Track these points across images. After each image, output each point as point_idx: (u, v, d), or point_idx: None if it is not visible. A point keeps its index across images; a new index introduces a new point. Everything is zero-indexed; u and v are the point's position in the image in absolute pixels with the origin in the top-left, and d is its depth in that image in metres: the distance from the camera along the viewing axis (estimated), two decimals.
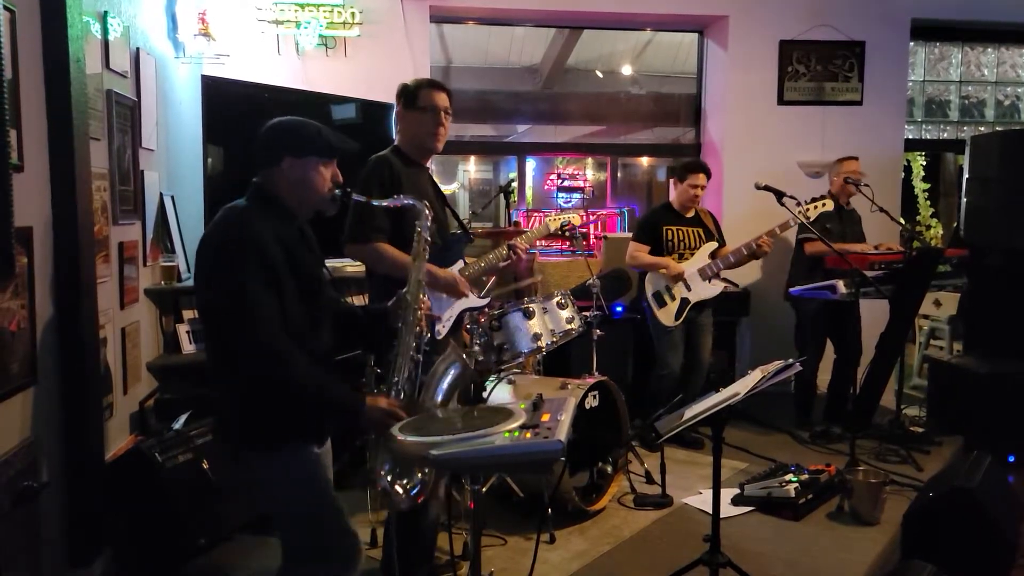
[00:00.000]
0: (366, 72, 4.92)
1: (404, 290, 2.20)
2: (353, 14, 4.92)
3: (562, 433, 1.76)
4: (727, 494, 3.74)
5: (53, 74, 2.59)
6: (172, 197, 4.19)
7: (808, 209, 4.33)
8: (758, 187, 4.12)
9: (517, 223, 5.48)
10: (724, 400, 2.61)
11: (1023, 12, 5.99)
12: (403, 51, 5.09)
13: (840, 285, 4.25)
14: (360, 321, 2.35)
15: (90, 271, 2.83)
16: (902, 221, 5.54)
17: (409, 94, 2.89)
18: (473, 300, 2.99)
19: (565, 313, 3.49)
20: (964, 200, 4.87)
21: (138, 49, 3.73)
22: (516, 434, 1.76)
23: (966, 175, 4.88)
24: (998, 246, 4.63)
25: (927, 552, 2.81)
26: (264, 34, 4.85)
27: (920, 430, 4.66)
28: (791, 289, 4.71)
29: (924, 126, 6.53)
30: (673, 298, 4.50)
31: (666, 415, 2.82)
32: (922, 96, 6.47)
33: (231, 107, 4.01)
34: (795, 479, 3.72)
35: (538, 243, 5.81)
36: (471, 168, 10.99)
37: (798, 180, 4.99)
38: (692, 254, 4.57)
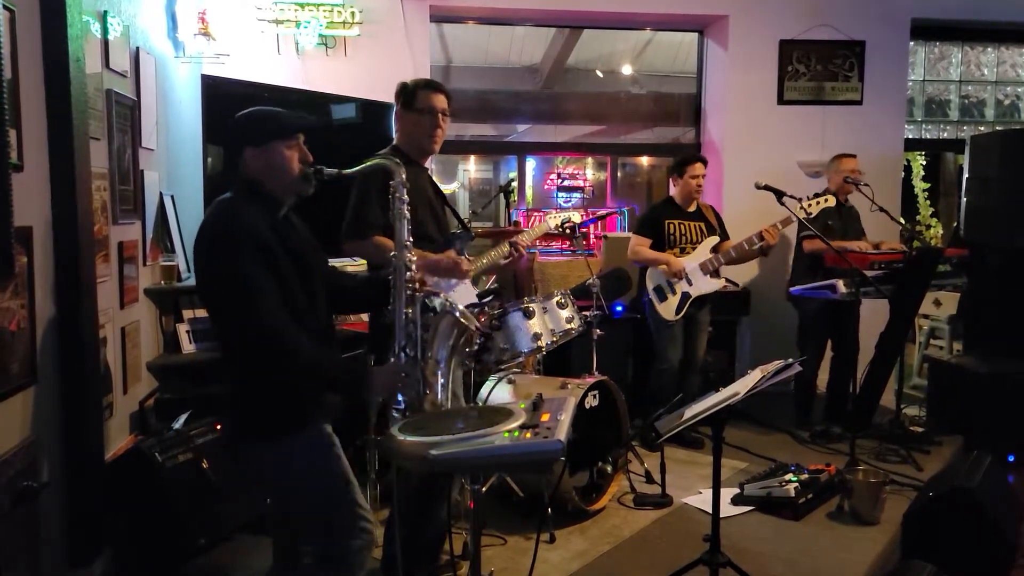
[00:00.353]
0: (366, 72, 4.92)
1: (392, 253, 2.19)
2: (353, 14, 4.92)
3: (562, 433, 1.76)
4: (727, 494, 3.74)
5: (53, 74, 2.59)
6: (172, 197, 4.19)
7: (811, 204, 4.34)
8: (758, 187, 4.12)
9: (517, 223, 5.48)
10: (724, 400, 2.61)
11: (1023, 12, 5.98)
12: (403, 51, 5.09)
13: (840, 285, 4.25)
14: (359, 292, 2.38)
15: (90, 271, 2.83)
16: (902, 221, 5.54)
17: (408, 95, 2.89)
18: (472, 298, 2.99)
19: (565, 313, 3.49)
20: (964, 200, 4.86)
21: (138, 49, 3.73)
22: (516, 434, 1.77)
23: (966, 175, 4.87)
24: (998, 246, 4.63)
25: (927, 552, 2.81)
26: (264, 34, 4.84)
27: (920, 430, 4.66)
28: (791, 289, 4.71)
29: (924, 126, 6.53)
30: (674, 292, 4.51)
31: (666, 415, 2.82)
32: (922, 96, 6.47)
33: (231, 107, 3.94)
34: (795, 479, 3.72)
35: (538, 243, 5.82)
36: (471, 168, 10.99)
37: (798, 180, 4.99)
38: (694, 248, 4.58)
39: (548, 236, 5.61)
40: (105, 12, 3.27)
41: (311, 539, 2.18)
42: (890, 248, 4.71)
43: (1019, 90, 6.59)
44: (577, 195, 7.55)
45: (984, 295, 4.85)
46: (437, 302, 2.19)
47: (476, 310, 3.09)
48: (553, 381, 3.64)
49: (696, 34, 6.11)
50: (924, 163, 8.46)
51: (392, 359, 2.13)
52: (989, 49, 6.50)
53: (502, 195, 4.27)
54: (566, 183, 7.58)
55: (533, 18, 5.92)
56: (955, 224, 6.18)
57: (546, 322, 3.38)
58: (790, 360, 2.75)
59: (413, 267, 2.17)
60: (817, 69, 5.74)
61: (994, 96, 6.57)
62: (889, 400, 4.81)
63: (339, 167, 2.17)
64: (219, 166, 3.96)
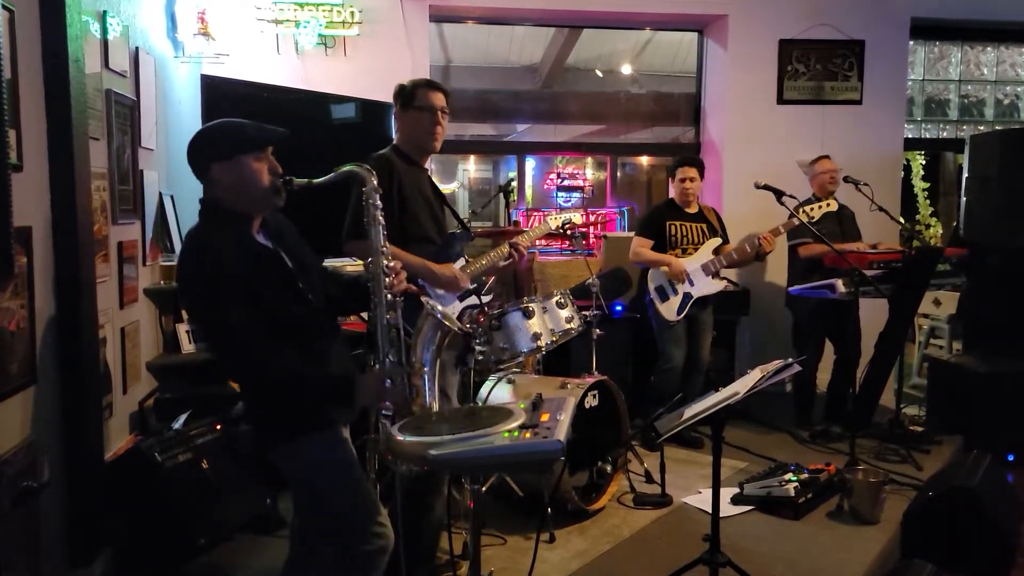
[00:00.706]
0: (366, 71, 4.92)
1: (368, 259, 2.17)
2: (353, 13, 4.92)
3: (561, 433, 1.76)
4: (727, 493, 3.74)
5: (52, 74, 2.59)
6: (172, 196, 4.19)
7: (812, 209, 4.35)
8: (758, 186, 4.12)
9: (517, 222, 5.48)
10: (724, 399, 2.61)
11: (1023, 11, 5.99)
12: (403, 50, 5.09)
13: (839, 284, 4.25)
14: (352, 295, 2.35)
15: (89, 271, 2.83)
16: (902, 220, 5.54)
17: (406, 94, 2.89)
18: (472, 297, 2.99)
19: (564, 312, 3.48)
20: (964, 199, 4.86)
21: (137, 48, 3.73)
22: (516, 434, 1.77)
23: (966, 174, 4.87)
24: (998, 245, 4.63)
25: (927, 551, 2.81)
26: (263, 33, 4.84)
27: (920, 429, 4.66)
28: (790, 289, 4.71)
29: (924, 125, 6.53)
30: (676, 292, 4.51)
31: (666, 414, 2.82)
32: (922, 95, 6.47)
33: (231, 107, 4.00)
34: (795, 478, 3.72)
35: (538, 242, 5.82)
36: (471, 167, 10.99)
37: (798, 179, 4.98)
38: (695, 249, 4.58)
39: (548, 236, 5.61)
40: (104, 12, 3.26)
41: (331, 539, 2.18)
42: (888, 248, 4.70)
43: (1019, 90, 6.60)
44: (577, 195, 7.55)
45: (984, 294, 4.86)
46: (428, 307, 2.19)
47: (476, 310, 3.10)
48: (553, 381, 3.64)
49: (696, 34, 6.11)
50: (924, 163, 8.45)
51: (376, 366, 2.12)
52: (989, 48, 6.50)
53: (502, 195, 4.26)
54: (566, 183, 7.58)
55: (533, 18, 5.92)
56: (955, 224, 6.19)
57: (546, 322, 3.38)
58: (789, 360, 2.75)
59: (391, 271, 2.16)
60: (817, 69, 5.74)
61: (994, 96, 6.58)
62: (889, 400, 4.81)
63: (339, 166, 2.16)
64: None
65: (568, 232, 3.87)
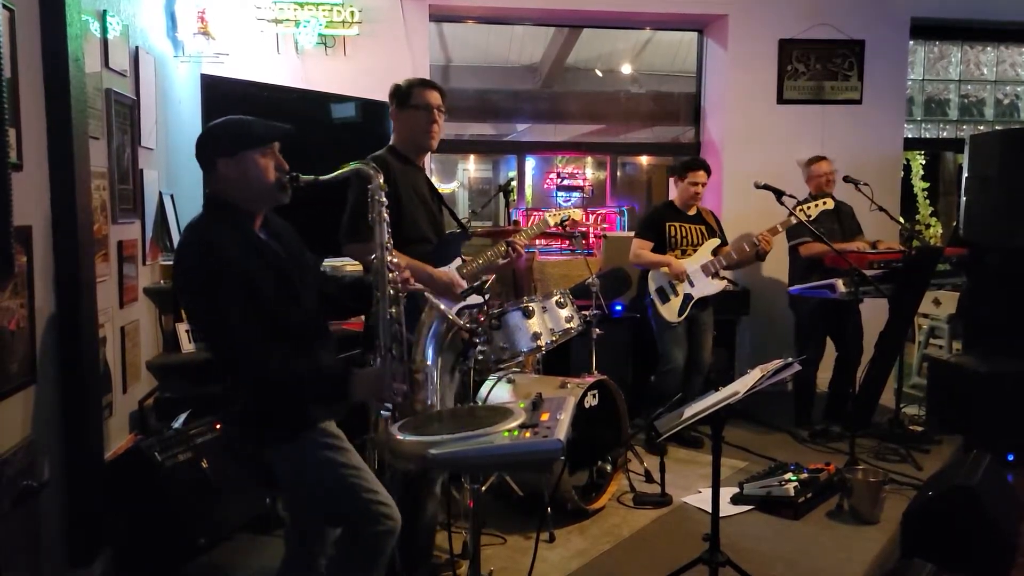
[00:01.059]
0: (366, 71, 4.92)
1: (372, 256, 2.18)
2: (352, 13, 4.92)
3: (561, 432, 1.76)
4: (726, 493, 3.74)
5: (52, 73, 2.59)
6: (171, 196, 4.19)
7: (809, 207, 4.35)
8: (757, 186, 4.11)
9: (517, 222, 5.48)
10: (724, 399, 2.61)
11: (1023, 11, 5.99)
12: (403, 50, 5.09)
13: (839, 284, 4.25)
14: (342, 298, 2.36)
15: (89, 270, 2.83)
16: (901, 220, 5.54)
17: (402, 94, 2.90)
18: (472, 297, 2.99)
19: (564, 312, 3.49)
20: (963, 199, 4.86)
21: (137, 48, 3.73)
22: (516, 433, 1.77)
23: (965, 174, 4.87)
24: (997, 245, 4.63)
25: (927, 551, 2.82)
26: (263, 33, 4.84)
27: (920, 429, 4.66)
28: (790, 288, 4.71)
29: (924, 125, 6.53)
30: (676, 294, 4.50)
31: (666, 414, 2.82)
32: (921, 95, 6.48)
33: (230, 106, 3.94)
34: (794, 478, 3.72)
35: (537, 242, 5.82)
36: (471, 167, 11.01)
37: (797, 179, 4.98)
38: (695, 251, 4.58)
39: (548, 235, 5.61)
40: (104, 11, 3.26)
41: (336, 527, 2.19)
42: (888, 247, 4.70)
43: (1019, 89, 6.60)
44: (577, 194, 7.56)
45: (983, 294, 4.86)
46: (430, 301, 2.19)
47: (475, 310, 3.09)
48: (553, 380, 3.64)
49: (696, 33, 6.11)
50: (924, 162, 8.45)
51: (377, 361, 2.11)
52: (989, 48, 6.51)
53: (501, 194, 4.26)
54: (566, 182, 7.59)
55: (532, 17, 5.92)
56: (954, 223, 6.19)
57: (545, 321, 3.38)
58: (790, 359, 2.75)
59: (394, 268, 2.16)
60: (817, 68, 5.75)
61: (993, 95, 6.58)
62: (889, 399, 4.81)
63: (339, 166, 2.16)
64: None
65: (567, 229, 3.86)
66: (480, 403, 3.49)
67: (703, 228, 4.65)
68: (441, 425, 1.86)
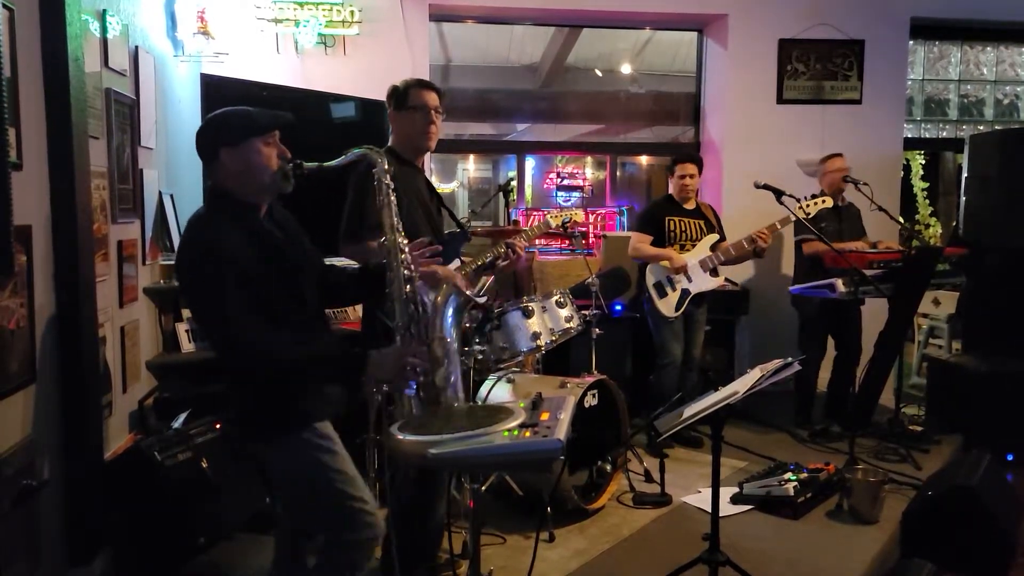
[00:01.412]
0: (365, 71, 4.92)
1: (383, 238, 2.18)
2: (352, 12, 4.92)
3: (561, 432, 1.76)
4: (726, 493, 3.74)
5: (52, 72, 2.59)
6: (171, 195, 4.19)
7: (808, 205, 4.34)
8: (757, 186, 4.11)
9: (516, 222, 5.48)
10: (723, 399, 2.61)
11: (1022, 11, 5.99)
12: (402, 50, 5.09)
13: (839, 284, 4.25)
14: (354, 283, 2.36)
15: (89, 270, 2.83)
16: (901, 220, 5.55)
17: (399, 95, 2.90)
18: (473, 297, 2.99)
19: (564, 312, 3.49)
20: (963, 199, 4.87)
21: (137, 47, 3.73)
22: (515, 433, 1.77)
23: (965, 174, 4.88)
24: (997, 245, 4.64)
25: (926, 550, 2.82)
26: (263, 32, 4.84)
27: (919, 429, 4.66)
28: (791, 288, 4.71)
29: (923, 125, 6.53)
30: (674, 288, 4.50)
31: (665, 413, 2.82)
32: (921, 95, 6.48)
33: (230, 106, 3.99)
34: (794, 478, 3.72)
35: (537, 241, 5.82)
36: (470, 167, 11.01)
37: (797, 179, 4.99)
38: (693, 245, 4.57)
39: (548, 235, 5.61)
40: (104, 11, 3.26)
41: (317, 533, 2.19)
42: (888, 247, 4.71)
43: (1018, 89, 6.60)
44: (576, 194, 7.56)
45: (983, 294, 4.86)
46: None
47: (475, 309, 3.10)
48: (552, 380, 3.64)
49: (695, 33, 6.11)
50: (923, 162, 8.46)
51: (398, 338, 2.11)
52: (988, 48, 6.51)
53: (501, 194, 4.26)
54: (565, 182, 7.59)
55: (532, 17, 5.92)
56: (954, 223, 6.20)
57: (545, 321, 3.38)
58: (789, 359, 2.75)
59: (405, 249, 2.17)
60: (816, 68, 5.75)
61: (993, 95, 6.58)
62: (888, 399, 4.81)
63: (348, 150, 2.16)
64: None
65: (568, 230, 3.86)
66: (480, 403, 3.49)
67: (702, 223, 4.65)
68: (441, 425, 1.85)
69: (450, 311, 2.13)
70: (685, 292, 4.50)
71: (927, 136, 6.60)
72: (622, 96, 6.96)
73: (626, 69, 7.23)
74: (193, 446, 3.05)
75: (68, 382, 2.68)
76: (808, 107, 5.75)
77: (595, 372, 3.78)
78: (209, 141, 2.08)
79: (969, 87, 6.55)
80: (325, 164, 2.15)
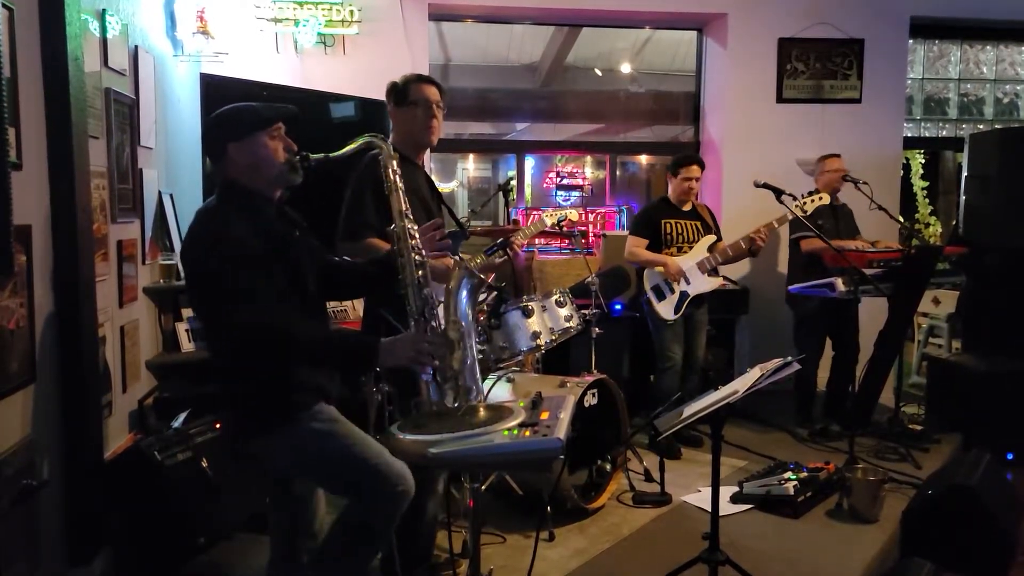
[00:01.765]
0: (365, 70, 4.92)
1: (391, 226, 2.21)
2: (352, 12, 4.92)
3: (561, 431, 1.76)
4: (726, 492, 3.74)
5: (51, 72, 2.58)
6: (171, 195, 4.19)
7: (805, 203, 4.33)
8: (757, 185, 4.11)
9: (516, 221, 5.48)
10: (723, 398, 2.61)
11: (1022, 10, 5.99)
12: (402, 49, 5.09)
13: (838, 283, 4.24)
14: (367, 272, 2.38)
15: (89, 269, 2.83)
16: (901, 219, 5.55)
17: (399, 91, 2.89)
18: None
19: (564, 311, 3.49)
20: (963, 198, 4.87)
21: (136, 47, 3.73)
22: (515, 432, 1.77)
23: (965, 173, 4.88)
24: (997, 244, 4.63)
25: (926, 550, 2.81)
26: (263, 32, 4.84)
27: (919, 428, 4.66)
28: (790, 287, 4.71)
29: (923, 124, 6.53)
30: (672, 291, 4.47)
31: (665, 413, 2.82)
32: (921, 94, 6.48)
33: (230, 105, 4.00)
34: (794, 477, 3.72)
35: (537, 241, 5.82)
36: (470, 166, 11.00)
37: (797, 178, 5.00)
38: (691, 247, 4.55)
39: (546, 234, 5.61)
40: (104, 11, 3.26)
41: (354, 499, 2.19)
42: (887, 246, 4.70)
43: (1018, 88, 6.60)
44: (576, 193, 7.56)
45: (983, 293, 4.86)
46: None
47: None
48: (552, 379, 3.64)
49: (695, 32, 6.12)
50: (923, 161, 8.47)
51: (412, 323, 2.13)
52: (988, 47, 6.51)
53: (501, 194, 4.26)
54: (565, 181, 7.59)
55: (532, 16, 5.92)
56: (954, 222, 6.19)
57: (545, 320, 3.38)
58: (789, 359, 2.75)
59: (415, 235, 2.19)
60: (816, 67, 5.75)
61: (993, 94, 6.58)
62: (888, 398, 4.81)
63: (354, 139, 2.17)
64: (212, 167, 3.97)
65: (563, 229, 3.86)
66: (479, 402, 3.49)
67: (699, 224, 4.62)
68: (441, 424, 1.85)
69: (464, 294, 2.12)
70: (684, 294, 4.47)
71: (927, 135, 6.60)
72: (622, 95, 6.95)
73: (626, 68, 7.23)
74: (193, 446, 3.05)
75: (68, 382, 2.68)
76: (808, 106, 5.75)
77: (595, 371, 3.78)
78: (215, 138, 2.11)
79: (969, 86, 6.55)
80: (331, 155, 2.18)
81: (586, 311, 3.83)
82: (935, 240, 8.04)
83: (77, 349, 2.70)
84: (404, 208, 2.20)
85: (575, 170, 8.07)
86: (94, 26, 3.15)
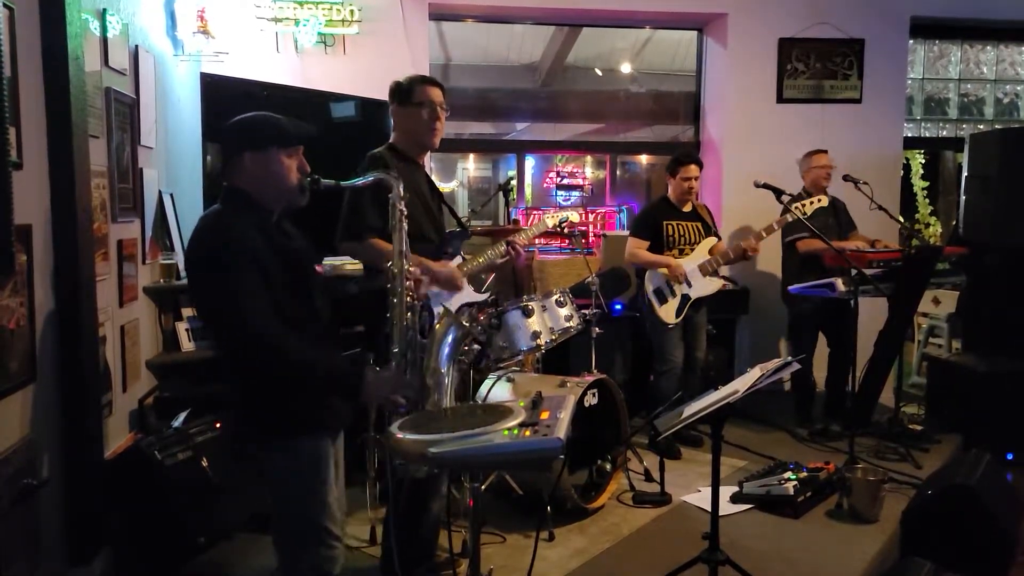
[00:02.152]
0: (365, 70, 4.92)
1: (388, 263, 2.20)
2: (352, 12, 4.92)
3: (561, 431, 1.76)
4: (726, 492, 3.74)
5: (52, 72, 2.58)
6: (171, 195, 4.19)
7: (805, 205, 4.32)
8: (757, 185, 4.10)
9: (516, 221, 5.48)
10: (723, 398, 2.61)
11: (1022, 10, 5.99)
12: (402, 49, 5.08)
13: (839, 283, 4.24)
14: (356, 302, 2.38)
15: (89, 269, 2.83)
16: (901, 219, 5.55)
17: (403, 91, 2.89)
18: (472, 295, 2.99)
19: (564, 311, 3.49)
20: (963, 198, 4.87)
21: (137, 47, 3.73)
22: (515, 432, 1.77)
23: (965, 173, 4.88)
24: (997, 244, 4.64)
25: (926, 549, 2.82)
26: (263, 32, 4.84)
27: (919, 428, 4.66)
28: (790, 287, 4.70)
29: (923, 124, 6.53)
30: (674, 295, 4.43)
31: (665, 413, 2.83)
32: (921, 94, 6.48)
33: (230, 105, 3.97)
34: (794, 477, 3.72)
35: (537, 241, 5.82)
36: (470, 166, 11.00)
37: (797, 178, 4.99)
38: (692, 249, 4.52)
39: (547, 234, 5.61)
40: (104, 10, 3.26)
41: (283, 542, 2.18)
42: (887, 246, 4.70)
43: (1018, 88, 6.60)
44: (576, 193, 7.57)
45: (983, 293, 4.86)
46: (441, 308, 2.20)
47: (475, 308, 3.10)
48: (552, 379, 3.64)
49: (695, 32, 6.11)
50: (923, 161, 8.47)
51: (392, 364, 2.12)
52: (988, 47, 6.51)
53: (501, 193, 4.26)
54: (565, 181, 7.60)
55: (532, 16, 5.92)
56: (954, 222, 6.19)
57: (545, 320, 3.38)
58: (788, 359, 2.75)
59: (411, 277, 2.19)
60: (816, 67, 5.75)
61: (993, 94, 6.58)
62: (888, 398, 4.81)
63: (339, 165, 2.18)
64: (218, 164, 3.93)
65: (565, 230, 3.86)
66: (480, 402, 3.49)
67: (699, 225, 4.59)
68: (441, 424, 1.86)
69: (448, 343, 2.15)
70: (685, 297, 4.43)
71: (927, 135, 6.59)
72: (622, 95, 6.95)
73: (626, 68, 7.23)
74: (193, 445, 3.05)
75: (68, 381, 2.68)
76: (808, 106, 5.75)
77: (595, 371, 3.78)
78: (235, 142, 2.09)
79: (969, 86, 6.55)
80: (343, 183, 2.20)
81: (586, 311, 3.83)
82: (935, 240, 8.04)
83: (77, 348, 2.70)
84: (404, 249, 2.20)
85: (575, 170, 8.07)
86: (94, 25, 3.15)
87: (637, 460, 4.13)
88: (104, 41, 3.26)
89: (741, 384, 2.65)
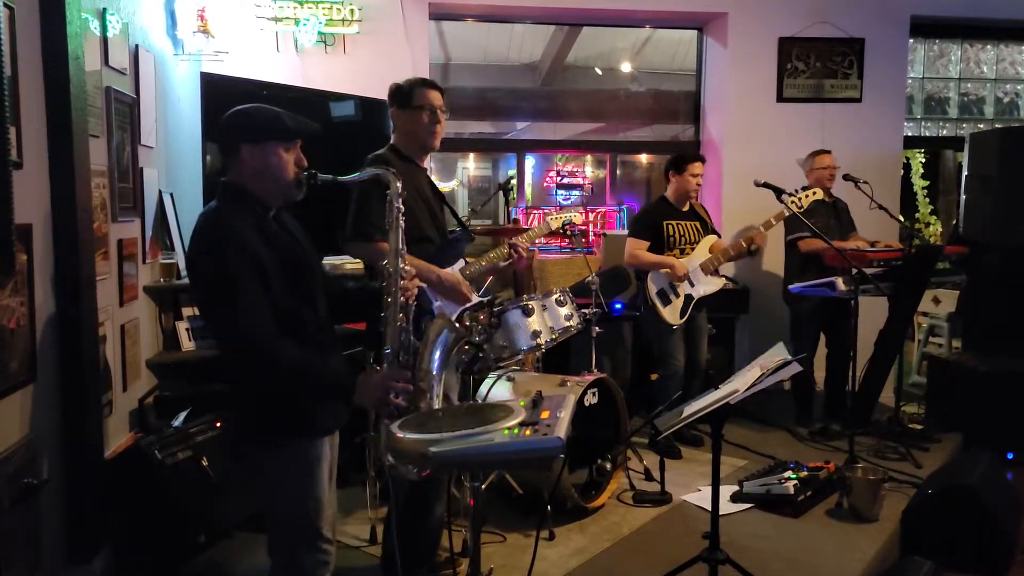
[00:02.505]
0: (365, 69, 4.92)
1: (384, 262, 2.18)
2: (352, 11, 4.92)
3: (561, 430, 1.76)
4: (726, 491, 3.74)
5: (52, 71, 2.58)
6: (171, 194, 4.19)
7: (801, 198, 4.29)
8: (757, 184, 4.10)
9: (516, 220, 5.48)
10: (723, 397, 2.61)
11: (1022, 10, 5.99)
12: (402, 48, 5.08)
13: (839, 282, 4.24)
14: (352, 298, 2.36)
15: (89, 268, 2.83)
16: (901, 218, 5.55)
17: (403, 94, 2.89)
18: (475, 299, 3.00)
19: (564, 310, 3.48)
20: (963, 197, 4.87)
21: (137, 46, 3.73)
22: (515, 431, 1.76)
23: (965, 172, 4.88)
24: (997, 244, 4.64)
25: (926, 549, 2.82)
26: (263, 31, 4.84)
27: (919, 427, 4.66)
28: (790, 286, 4.70)
29: (923, 123, 6.53)
30: (677, 295, 4.39)
31: (665, 412, 2.83)
32: (921, 93, 6.47)
33: (230, 104, 3.95)
34: (794, 476, 3.72)
35: (538, 240, 5.82)
36: (470, 165, 10.99)
37: (797, 177, 4.99)
38: (692, 249, 4.50)
39: (548, 234, 5.61)
40: (104, 9, 3.26)
41: (275, 543, 2.16)
42: (887, 246, 4.70)
43: (1018, 88, 6.60)
44: (576, 192, 7.56)
45: (983, 293, 4.86)
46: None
47: (475, 309, 3.10)
48: (552, 378, 3.64)
49: (695, 31, 6.11)
50: (923, 161, 8.47)
51: (384, 366, 2.10)
52: (988, 47, 6.51)
53: (501, 193, 4.26)
54: (565, 180, 7.59)
55: (532, 15, 5.92)
56: (954, 222, 6.19)
57: (545, 320, 3.38)
58: (789, 359, 2.74)
59: (406, 276, 2.17)
60: (816, 66, 5.74)
61: (993, 94, 6.58)
62: (888, 397, 4.81)
63: (339, 164, 2.17)
64: (218, 163, 3.95)
65: (568, 232, 3.86)
66: (480, 401, 3.49)
67: (699, 225, 4.58)
68: (441, 423, 1.85)
69: (439, 347, 2.13)
70: (689, 298, 4.40)
71: (927, 134, 6.59)
72: (622, 94, 6.95)
73: (626, 67, 7.23)
74: (193, 445, 3.05)
75: (68, 381, 2.68)
76: (808, 105, 5.75)
77: (595, 371, 3.78)
78: (232, 134, 2.07)
79: (969, 85, 6.55)
80: (340, 178, 2.17)
81: (586, 310, 3.83)
82: (935, 240, 8.04)
83: (77, 348, 2.70)
84: (400, 248, 2.18)
85: (575, 169, 8.06)
86: (95, 25, 3.15)
87: (637, 459, 4.13)
88: (104, 41, 3.26)
89: (741, 383, 2.65)
